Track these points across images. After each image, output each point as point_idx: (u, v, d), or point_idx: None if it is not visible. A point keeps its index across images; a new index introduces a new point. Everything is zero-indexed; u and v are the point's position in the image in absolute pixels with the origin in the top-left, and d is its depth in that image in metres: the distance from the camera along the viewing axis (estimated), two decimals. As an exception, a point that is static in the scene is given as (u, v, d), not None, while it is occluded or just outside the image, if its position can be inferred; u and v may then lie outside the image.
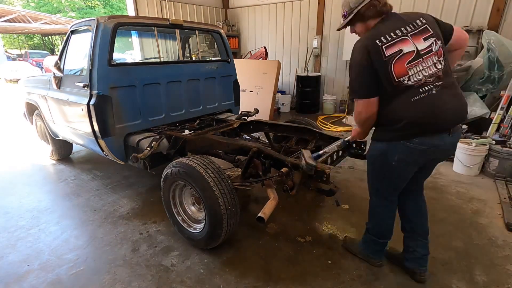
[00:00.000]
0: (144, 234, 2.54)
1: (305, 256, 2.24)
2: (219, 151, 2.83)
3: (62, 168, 4.02)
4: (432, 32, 1.58)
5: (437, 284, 1.96)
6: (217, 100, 3.63)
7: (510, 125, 3.78)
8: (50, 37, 25.92)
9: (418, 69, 1.55)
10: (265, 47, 6.94)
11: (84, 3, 23.71)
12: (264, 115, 5.57)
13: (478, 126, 4.33)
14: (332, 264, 2.16)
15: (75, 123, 2.99)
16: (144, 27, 3.26)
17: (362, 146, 2.54)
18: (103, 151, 2.84)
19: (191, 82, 3.27)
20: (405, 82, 1.55)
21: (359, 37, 1.69)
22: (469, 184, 3.36)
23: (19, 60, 19.63)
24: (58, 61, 3.00)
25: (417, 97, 1.55)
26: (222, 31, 3.64)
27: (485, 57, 4.29)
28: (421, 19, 1.60)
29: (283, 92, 7.57)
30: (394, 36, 1.55)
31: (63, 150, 4.17)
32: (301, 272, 2.09)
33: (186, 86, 3.22)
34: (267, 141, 3.25)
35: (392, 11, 1.67)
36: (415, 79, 1.55)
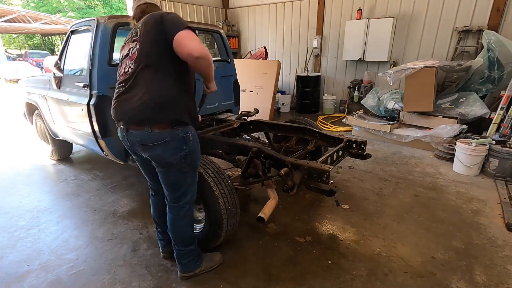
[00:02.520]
0: (144, 234, 2.54)
1: (305, 256, 2.24)
2: (219, 151, 2.83)
3: (62, 168, 4.02)
4: (138, 36, 1.63)
5: (437, 284, 1.96)
6: (217, 100, 3.62)
7: (510, 125, 3.78)
8: (50, 37, 25.92)
9: (119, 71, 1.74)
10: (265, 47, 6.94)
11: (84, 3, 23.70)
12: (264, 115, 5.57)
13: (478, 126, 4.34)
14: (332, 264, 2.16)
15: (75, 123, 2.99)
16: (144, 27, 3.26)
17: (362, 146, 2.54)
18: (103, 151, 2.83)
19: (191, 82, 3.27)
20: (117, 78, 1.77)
21: None
22: (469, 184, 3.36)
23: (19, 60, 19.62)
24: (58, 61, 3.00)
25: (115, 94, 1.74)
26: (222, 31, 3.64)
27: (485, 57, 4.29)
28: (140, 24, 1.65)
29: (283, 92, 7.57)
30: (126, 40, 1.78)
31: (63, 150, 4.16)
32: (301, 272, 2.09)
33: (186, 86, 3.21)
34: (267, 141, 3.25)
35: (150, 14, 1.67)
36: (117, 77, 1.75)
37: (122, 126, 1.71)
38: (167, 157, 1.68)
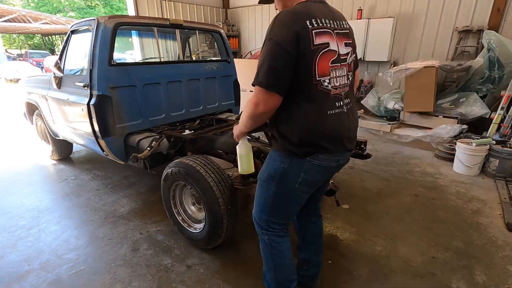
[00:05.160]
0: (144, 233, 2.55)
1: (305, 256, 2.24)
2: (219, 151, 2.83)
3: (62, 168, 4.02)
4: (351, 41, 1.37)
5: (437, 284, 1.96)
6: (217, 100, 3.62)
7: (510, 125, 3.78)
8: (50, 37, 25.93)
9: (337, 74, 1.28)
10: (265, 47, 6.93)
11: (84, 3, 23.71)
12: (264, 115, 5.55)
13: (478, 126, 4.33)
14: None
15: (76, 123, 2.99)
16: (144, 27, 3.26)
17: (363, 146, 2.54)
18: (103, 151, 2.84)
19: (191, 82, 3.27)
20: (325, 84, 1.25)
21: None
22: (469, 184, 3.36)
23: (19, 60, 19.62)
24: (58, 61, 3.00)
25: (332, 111, 1.29)
26: (222, 31, 3.64)
27: (485, 57, 4.29)
28: (345, 22, 1.37)
29: (283, 92, 7.56)
30: (324, 24, 1.23)
31: (63, 150, 4.16)
32: (301, 272, 2.08)
33: (186, 86, 3.22)
34: (267, 141, 3.25)
35: None
36: (334, 84, 1.28)
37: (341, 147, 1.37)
38: None
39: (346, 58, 1.33)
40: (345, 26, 1.35)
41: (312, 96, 1.25)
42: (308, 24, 1.18)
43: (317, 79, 1.23)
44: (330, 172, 1.48)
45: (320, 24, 1.21)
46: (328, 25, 1.25)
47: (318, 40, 1.20)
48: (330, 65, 1.25)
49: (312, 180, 1.40)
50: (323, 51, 1.22)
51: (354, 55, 1.40)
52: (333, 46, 1.25)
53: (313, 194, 1.55)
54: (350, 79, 1.37)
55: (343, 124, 1.34)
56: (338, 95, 1.30)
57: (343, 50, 1.31)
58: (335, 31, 1.27)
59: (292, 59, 1.18)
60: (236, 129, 1.49)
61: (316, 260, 1.85)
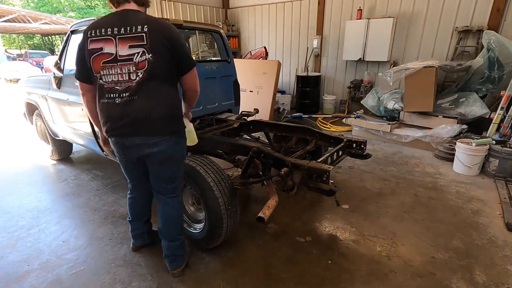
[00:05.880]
0: (144, 234, 2.54)
1: (305, 256, 2.24)
2: (219, 151, 2.83)
3: (62, 168, 4.02)
4: (145, 43, 1.55)
5: (437, 284, 1.96)
6: (217, 100, 3.62)
7: (510, 125, 3.78)
8: (50, 37, 25.91)
9: (110, 72, 1.60)
10: (265, 47, 6.94)
11: (84, 3, 23.70)
12: (264, 115, 5.57)
13: (478, 126, 4.34)
14: (332, 264, 2.16)
15: (75, 123, 2.99)
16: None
17: (362, 146, 2.54)
18: (103, 151, 2.83)
19: (191, 82, 3.27)
20: (99, 79, 1.64)
21: None
22: (469, 184, 3.36)
23: (19, 60, 19.62)
24: (58, 61, 3.00)
25: (102, 101, 1.68)
26: (222, 31, 3.64)
27: (485, 57, 4.29)
28: (146, 27, 1.54)
29: (283, 92, 7.56)
30: (101, 33, 1.58)
31: (63, 150, 4.17)
32: (301, 272, 2.09)
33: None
34: (267, 141, 3.25)
35: (129, 8, 1.63)
36: (106, 80, 1.62)
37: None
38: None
39: (132, 58, 1.57)
40: (138, 30, 1.55)
41: (97, 87, 1.67)
42: (88, 34, 1.60)
43: (95, 75, 1.64)
44: (129, 149, 1.75)
45: (98, 34, 1.58)
46: (109, 33, 1.57)
47: (91, 46, 1.59)
48: (101, 65, 1.60)
49: (118, 153, 1.85)
50: (96, 54, 1.59)
51: (152, 54, 1.57)
52: (108, 49, 1.58)
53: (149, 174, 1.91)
54: (140, 75, 1.59)
55: (112, 112, 1.65)
56: (111, 88, 1.63)
57: (126, 51, 1.57)
58: (117, 36, 1.56)
59: (80, 57, 1.66)
60: None
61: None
